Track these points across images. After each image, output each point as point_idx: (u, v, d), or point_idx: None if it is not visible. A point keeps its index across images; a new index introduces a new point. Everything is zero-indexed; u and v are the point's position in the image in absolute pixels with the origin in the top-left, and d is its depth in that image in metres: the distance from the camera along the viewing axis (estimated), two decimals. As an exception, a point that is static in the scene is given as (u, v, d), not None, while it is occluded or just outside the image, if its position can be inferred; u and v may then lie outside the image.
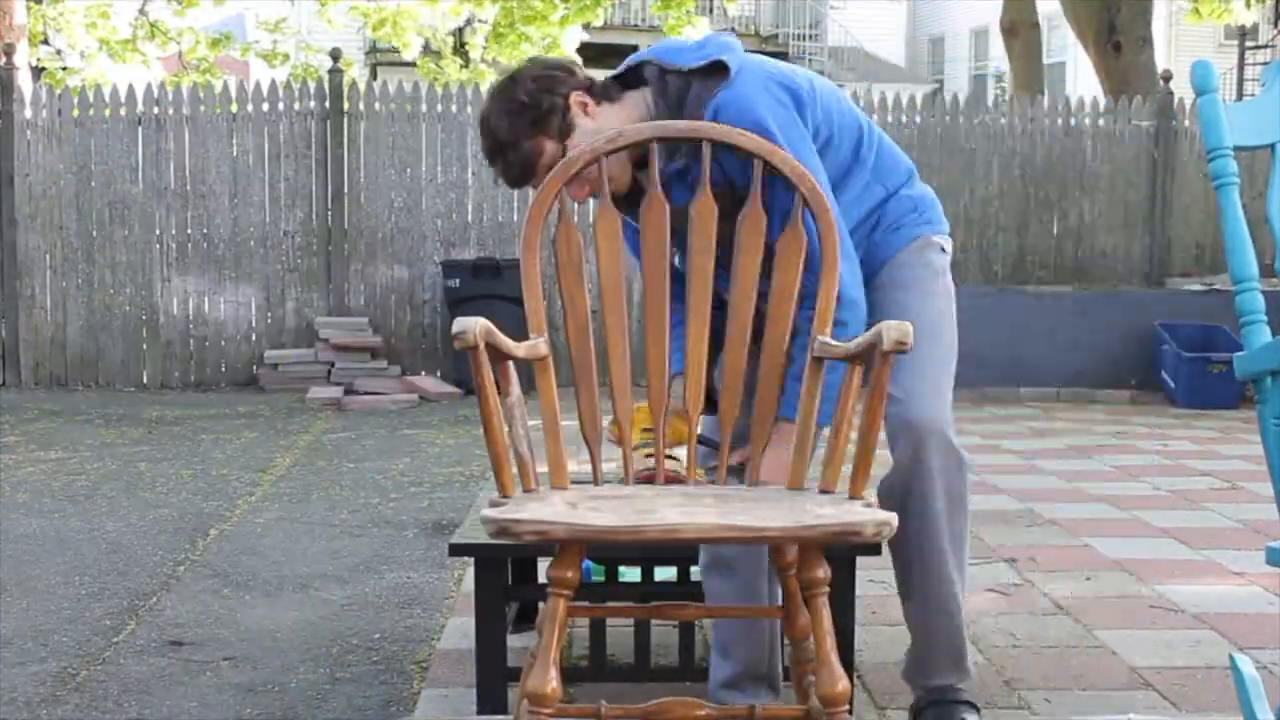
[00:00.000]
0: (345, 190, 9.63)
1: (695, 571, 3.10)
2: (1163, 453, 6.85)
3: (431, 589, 4.05)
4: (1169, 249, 10.20)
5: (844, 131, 2.58)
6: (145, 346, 9.60)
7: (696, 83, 2.47)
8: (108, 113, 9.50)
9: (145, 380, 9.57)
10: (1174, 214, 10.19)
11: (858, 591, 3.01)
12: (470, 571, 3.23)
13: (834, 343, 2.23)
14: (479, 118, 2.55)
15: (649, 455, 2.40)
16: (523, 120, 2.46)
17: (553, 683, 1.92)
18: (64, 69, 15.48)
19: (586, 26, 13.89)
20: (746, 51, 2.56)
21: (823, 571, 2.00)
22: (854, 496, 2.04)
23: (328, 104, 9.60)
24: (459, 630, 3.55)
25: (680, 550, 2.94)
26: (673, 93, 2.49)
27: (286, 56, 15.96)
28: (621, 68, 2.58)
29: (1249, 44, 22.51)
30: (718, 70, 2.47)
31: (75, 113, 9.49)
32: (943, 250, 2.71)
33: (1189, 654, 3.34)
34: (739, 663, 2.69)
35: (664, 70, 2.51)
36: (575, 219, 2.36)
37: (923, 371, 2.55)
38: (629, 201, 2.46)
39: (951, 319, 2.69)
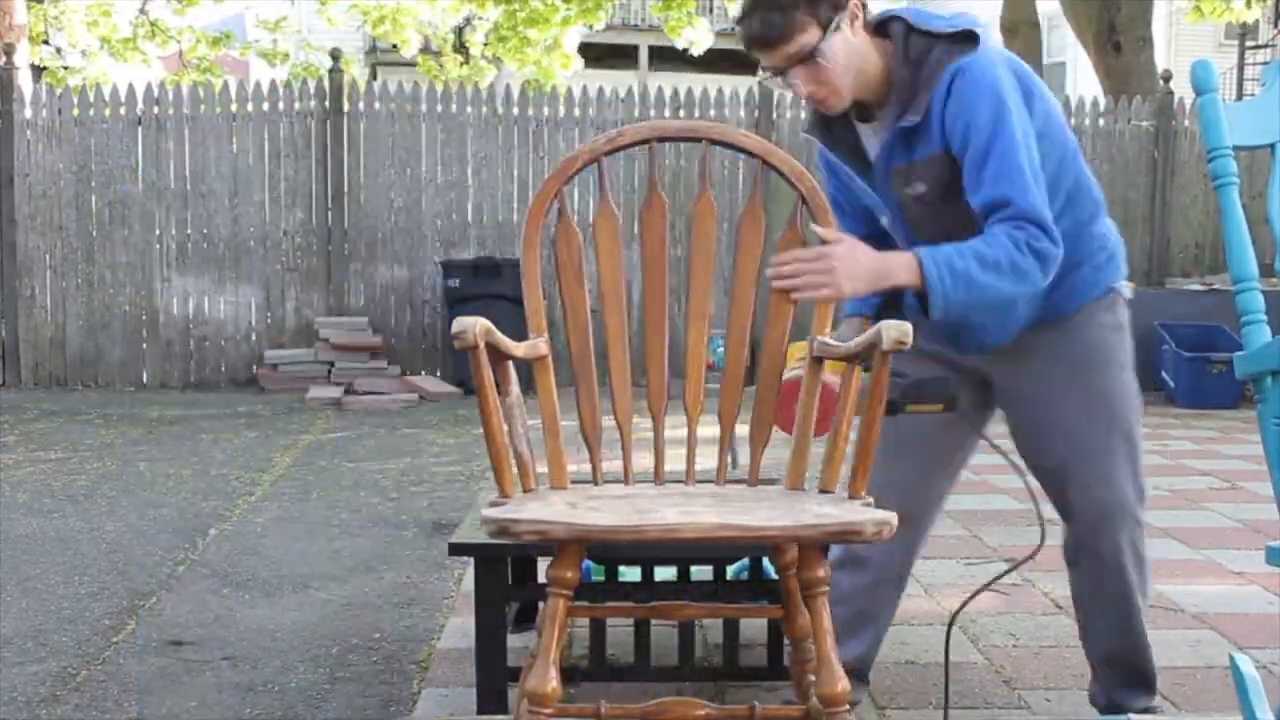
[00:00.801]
0: (345, 190, 9.63)
1: (695, 572, 3.11)
2: (1162, 453, 6.84)
3: (431, 589, 4.05)
4: (1169, 249, 10.19)
5: (1051, 145, 2.49)
6: (145, 346, 9.60)
7: (940, 47, 2.42)
8: (108, 112, 9.50)
9: (145, 380, 9.57)
10: (1174, 214, 10.19)
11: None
12: (470, 571, 3.23)
13: (834, 343, 2.23)
14: None
15: (795, 367, 2.37)
16: None
17: (553, 682, 1.92)
18: (64, 68, 15.48)
19: (589, 27, 13.89)
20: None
21: (823, 571, 2.00)
22: (853, 496, 2.04)
23: (328, 103, 9.60)
24: (459, 630, 3.55)
25: (678, 550, 2.94)
26: (914, 51, 2.44)
27: (286, 55, 15.97)
28: (873, 17, 2.50)
29: (1249, 44, 22.51)
30: (965, 39, 2.43)
31: (75, 112, 9.48)
32: (1124, 299, 2.68)
33: (1189, 654, 3.34)
34: (857, 649, 2.80)
35: (911, 29, 2.46)
36: (575, 219, 2.36)
37: (1103, 454, 2.59)
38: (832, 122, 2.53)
39: (1129, 382, 2.65)
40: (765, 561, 3.09)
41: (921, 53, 2.42)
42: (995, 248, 2.29)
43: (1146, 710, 2.72)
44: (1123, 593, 2.64)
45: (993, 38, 2.50)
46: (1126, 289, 2.70)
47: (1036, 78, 2.53)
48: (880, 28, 2.48)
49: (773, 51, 2.38)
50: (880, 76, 2.43)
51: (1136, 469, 2.61)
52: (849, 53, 2.39)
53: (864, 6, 2.44)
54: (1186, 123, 10.10)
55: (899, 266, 2.30)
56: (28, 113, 9.46)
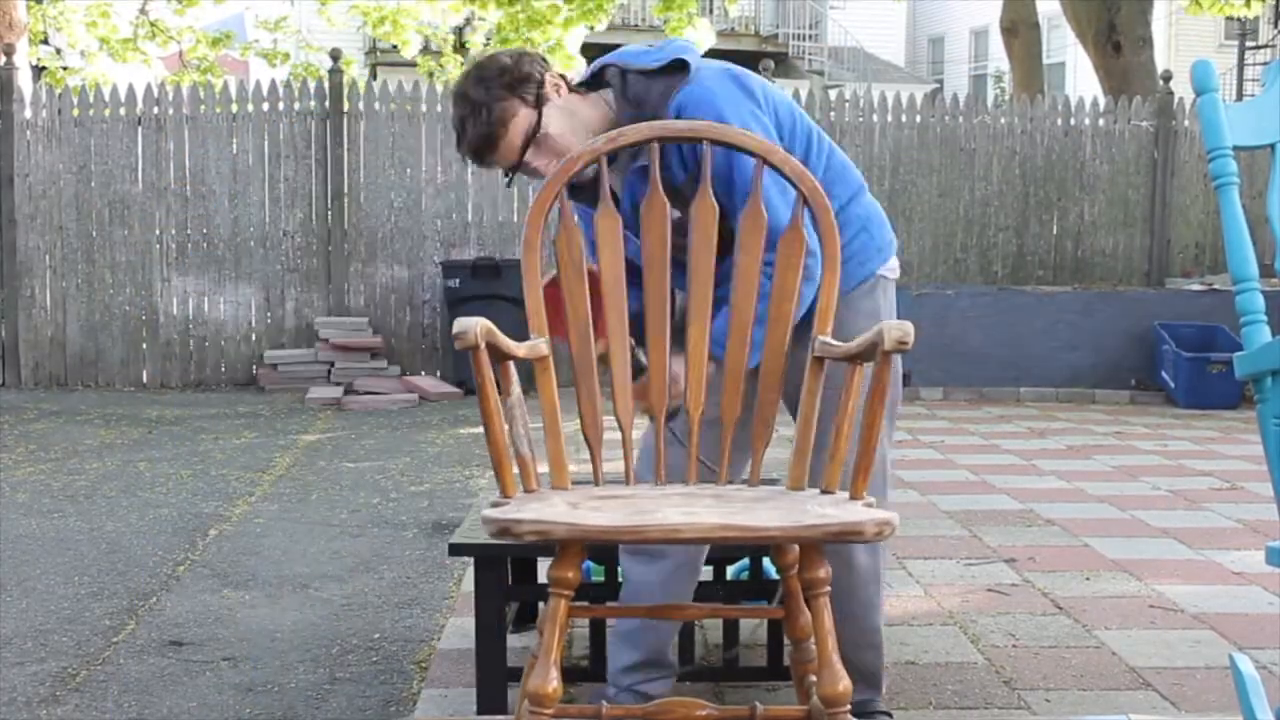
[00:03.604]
0: (345, 190, 9.62)
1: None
2: (1162, 453, 6.85)
3: (431, 589, 4.05)
4: (1169, 249, 10.20)
5: (794, 136, 2.60)
6: (145, 346, 9.60)
7: (658, 81, 2.52)
8: (108, 113, 9.50)
9: (145, 380, 9.57)
10: (1174, 214, 10.19)
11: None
12: (470, 571, 3.23)
13: (834, 343, 2.23)
14: (453, 92, 2.57)
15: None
16: (499, 82, 2.49)
17: (554, 682, 1.92)
18: (64, 68, 15.46)
19: (589, 28, 13.89)
20: (713, 55, 2.59)
21: (824, 571, 2.00)
22: (854, 497, 2.04)
23: (328, 104, 9.60)
24: (459, 630, 3.55)
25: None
26: (633, 92, 2.53)
27: (287, 56, 15.96)
28: (585, 73, 2.64)
29: (1249, 44, 22.53)
30: (678, 69, 2.52)
31: (75, 112, 9.48)
32: (886, 281, 2.72)
33: (1189, 654, 3.34)
34: (642, 649, 2.75)
35: (625, 71, 2.56)
36: (576, 219, 2.36)
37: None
38: (585, 191, 2.50)
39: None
40: (765, 561, 3.09)
41: (640, 92, 2.53)
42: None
43: (866, 705, 2.71)
44: (847, 582, 2.63)
45: (701, 58, 2.57)
46: (889, 269, 2.73)
47: (756, 76, 2.61)
48: (594, 81, 2.60)
49: (499, 147, 2.49)
50: (603, 125, 2.50)
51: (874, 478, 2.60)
52: (568, 117, 2.51)
53: (563, 78, 2.55)
54: (1186, 123, 10.10)
55: None
56: (28, 113, 9.46)
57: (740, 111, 2.49)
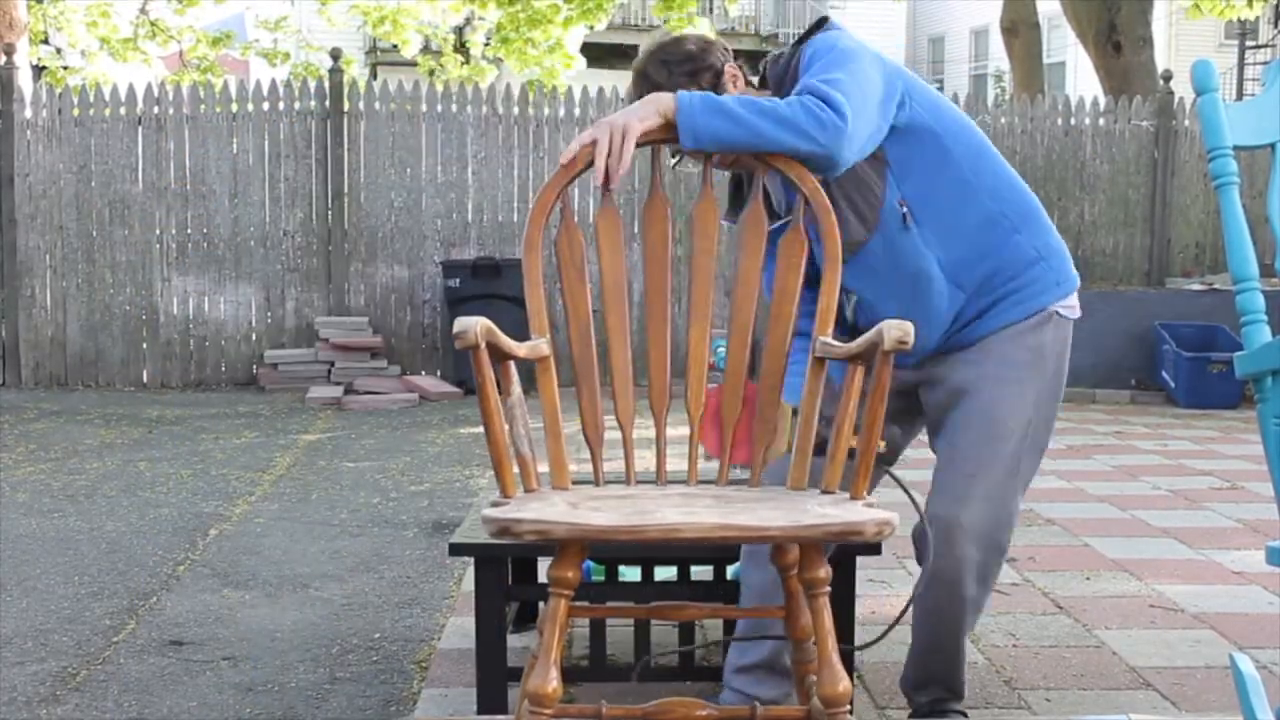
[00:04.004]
0: (345, 190, 9.62)
1: (695, 571, 3.11)
2: (1162, 453, 6.84)
3: (431, 589, 4.05)
4: (1169, 249, 10.20)
5: (956, 136, 2.50)
6: (145, 346, 9.60)
7: (800, 48, 2.53)
8: (108, 112, 9.50)
9: (145, 380, 9.57)
10: (1174, 214, 10.19)
11: (857, 591, 3.01)
12: (470, 571, 3.24)
13: (835, 343, 2.23)
14: (634, 68, 2.54)
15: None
16: (681, 69, 2.49)
17: (554, 682, 1.92)
18: (64, 68, 15.47)
19: (589, 28, 13.89)
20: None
21: (824, 571, 2.00)
22: (855, 496, 2.04)
23: (328, 103, 9.59)
24: (459, 630, 3.55)
25: (679, 550, 2.94)
26: (784, 64, 2.55)
27: (287, 55, 15.97)
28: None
29: (1249, 44, 22.51)
30: (814, 28, 2.57)
31: (75, 112, 9.48)
32: (1061, 319, 2.63)
33: (1189, 654, 3.34)
34: (761, 652, 2.72)
35: (778, 56, 2.60)
36: (577, 219, 2.36)
37: (982, 475, 2.54)
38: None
39: (1040, 408, 2.61)
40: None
41: (787, 59, 2.55)
42: (771, 101, 2.31)
43: (939, 703, 2.71)
44: (948, 610, 2.59)
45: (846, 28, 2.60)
46: (1066, 307, 2.65)
47: (908, 72, 2.61)
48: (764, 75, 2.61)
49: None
50: None
51: (1002, 494, 2.57)
52: None
53: (742, 69, 2.55)
54: (1186, 123, 10.11)
55: (665, 96, 2.30)
56: (28, 113, 9.46)
57: (854, 47, 2.45)
